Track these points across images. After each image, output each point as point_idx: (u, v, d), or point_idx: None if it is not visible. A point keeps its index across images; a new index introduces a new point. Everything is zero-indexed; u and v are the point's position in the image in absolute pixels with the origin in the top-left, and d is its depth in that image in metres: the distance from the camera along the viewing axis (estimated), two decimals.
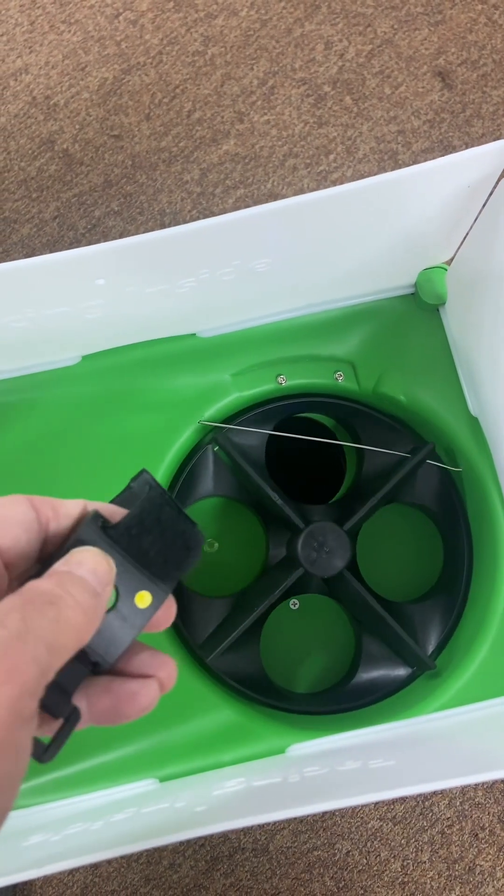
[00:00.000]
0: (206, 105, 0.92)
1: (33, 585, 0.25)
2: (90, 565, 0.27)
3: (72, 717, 0.27)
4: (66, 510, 0.29)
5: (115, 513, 0.30)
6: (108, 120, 0.92)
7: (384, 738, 0.45)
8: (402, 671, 0.52)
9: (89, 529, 0.29)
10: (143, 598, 0.29)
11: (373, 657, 0.52)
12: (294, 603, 0.56)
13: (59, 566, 0.27)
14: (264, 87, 0.92)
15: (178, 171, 0.90)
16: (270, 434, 0.55)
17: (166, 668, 0.30)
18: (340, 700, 0.51)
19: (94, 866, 0.77)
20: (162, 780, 0.46)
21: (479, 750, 0.40)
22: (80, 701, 0.28)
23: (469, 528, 0.54)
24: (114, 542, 0.29)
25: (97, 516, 0.30)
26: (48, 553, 0.29)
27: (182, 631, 0.51)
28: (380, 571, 0.56)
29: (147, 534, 0.30)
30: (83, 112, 0.92)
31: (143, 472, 0.31)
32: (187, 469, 0.53)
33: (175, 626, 0.51)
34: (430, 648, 0.52)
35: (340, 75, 0.92)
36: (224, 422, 0.54)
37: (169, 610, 0.31)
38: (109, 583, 0.28)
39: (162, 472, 0.52)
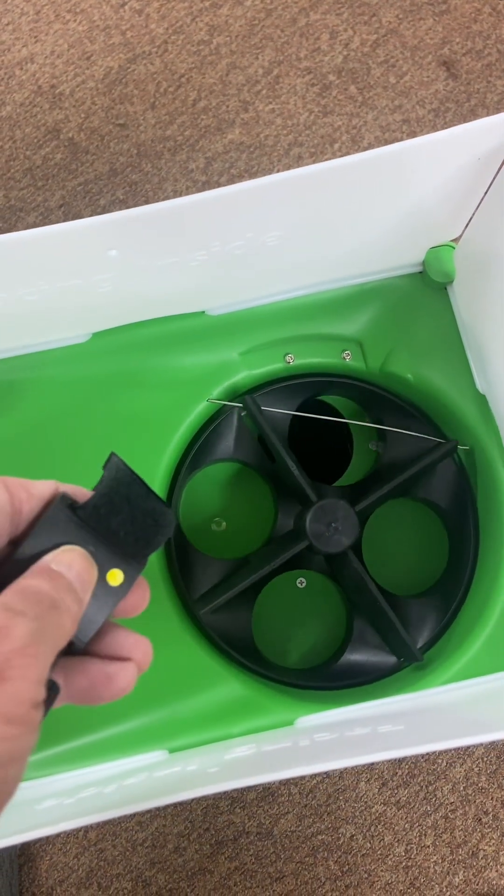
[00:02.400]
0: (211, 94, 0.92)
1: (38, 586, 0.26)
2: (77, 570, 0.28)
3: (52, 691, 0.28)
4: (38, 492, 0.30)
5: (86, 495, 0.31)
6: (113, 109, 0.92)
7: (392, 709, 0.45)
8: (389, 658, 0.52)
9: (57, 511, 0.29)
10: (115, 577, 0.30)
11: (362, 641, 0.53)
12: (301, 581, 0.56)
13: (50, 563, 0.28)
14: (269, 76, 0.93)
15: (183, 160, 0.91)
16: (292, 413, 0.56)
17: (141, 649, 0.30)
18: (326, 678, 0.52)
19: (100, 850, 0.77)
20: (171, 751, 0.46)
21: (490, 714, 0.40)
22: (58, 678, 0.29)
23: (478, 531, 0.54)
24: (83, 521, 0.30)
25: (65, 497, 0.30)
26: (18, 533, 0.29)
27: (187, 598, 0.51)
28: (383, 563, 0.56)
29: (116, 513, 0.30)
30: (88, 101, 0.92)
31: (112, 455, 0.31)
32: (209, 430, 0.53)
33: (181, 595, 0.51)
34: (421, 643, 0.52)
35: (345, 64, 0.93)
36: (232, 400, 0.54)
37: (143, 595, 0.31)
38: (90, 589, 0.29)
39: (171, 450, 0.53)
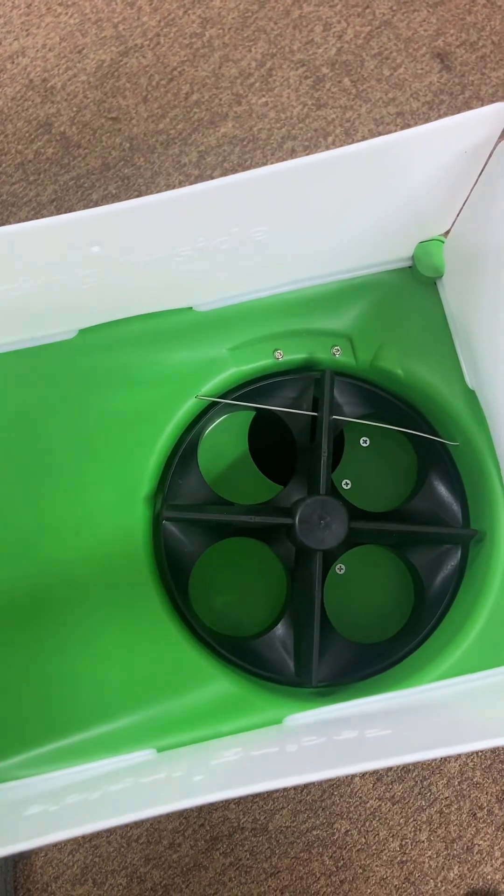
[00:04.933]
0: (204, 87, 0.92)
1: None
2: None
3: None
4: None
5: None
6: (105, 102, 0.91)
7: (381, 707, 0.45)
8: (455, 559, 0.54)
9: None
10: None
11: (425, 563, 0.54)
12: (340, 567, 0.57)
13: None
14: (262, 68, 0.92)
15: (175, 154, 0.90)
16: (255, 415, 0.56)
17: None
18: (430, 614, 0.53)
19: (95, 847, 0.77)
20: (160, 750, 0.46)
21: (475, 719, 0.40)
22: None
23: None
24: None
25: None
26: None
27: (179, 602, 0.51)
28: (373, 495, 0.57)
29: None
30: (80, 95, 0.92)
31: None
32: (161, 550, 0.53)
33: (170, 593, 0.51)
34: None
35: (339, 57, 0.92)
36: (221, 396, 0.54)
37: None
38: None
39: (159, 447, 0.52)
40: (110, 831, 0.78)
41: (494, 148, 0.39)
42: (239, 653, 0.51)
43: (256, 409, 0.56)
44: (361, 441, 0.58)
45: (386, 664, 0.51)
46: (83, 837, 0.78)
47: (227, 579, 0.56)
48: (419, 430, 0.55)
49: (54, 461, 0.52)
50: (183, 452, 0.53)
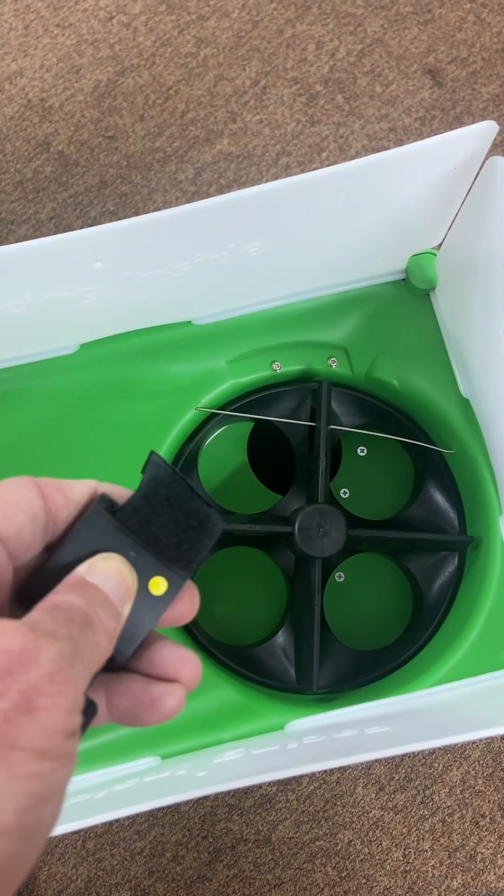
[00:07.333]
0: (200, 105, 0.93)
1: (70, 602, 0.24)
2: (115, 580, 0.26)
3: (87, 710, 0.25)
4: (77, 495, 0.27)
5: (125, 496, 0.29)
6: (102, 121, 0.93)
7: (381, 712, 0.46)
8: (452, 566, 0.55)
9: (95, 513, 0.27)
10: (158, 585, 0.27)
11: (423, 571, 0.55)
12: (339, 575, 0.57)
13: (84, 574, 0.26)
14: (256, 87, 0.94)
15: (172, 171, 0.92)
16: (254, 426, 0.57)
17: (189, 667, 0.27)
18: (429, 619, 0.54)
19: (98, 860, 0.77)
20: (164, 758, 0.47)
21: (473, 714, 0.40)
22: (98, 697, 0.27)
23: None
24: (122, 525, 0.27)
25: (104, 499, 0.28)
26: (55, 538, 0.27)
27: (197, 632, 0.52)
28: (371, 504, 0.58)
29: (157, 515, 0.28)
30: (78, 114, 0.93)
31: (151, 454, 0.29)
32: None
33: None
34: (457, 525, 0.55)
35: (332, 74, 0.94)
36: (220, 408, 0.55)
37: (192, 600, 0.28)
38: (129, 601, 0.26)
39: None
40: (114, 844, 0.78)
41: (483, 164, 0.40)
42: (240, 661, 0.52)
43: (255, 419, 0.57)
44: (359, 450, 0.59)
45: (386, 670, 0.52)
46: (86, 851, 0.78)
47: (228, 588, 0.56)
48: (415, 438, 0.56)
49: (56, 474, 0.52)
50: (183, 463, 0.54)
